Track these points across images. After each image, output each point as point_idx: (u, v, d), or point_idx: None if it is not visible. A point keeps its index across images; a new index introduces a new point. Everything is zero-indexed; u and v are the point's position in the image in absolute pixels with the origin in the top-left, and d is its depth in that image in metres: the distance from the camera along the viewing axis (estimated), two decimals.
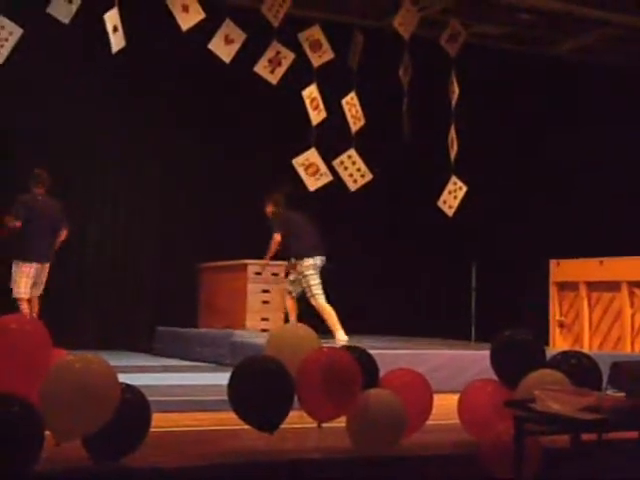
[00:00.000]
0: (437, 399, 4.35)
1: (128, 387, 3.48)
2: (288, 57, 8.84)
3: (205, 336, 9.25)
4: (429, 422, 4.28)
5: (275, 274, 9.65)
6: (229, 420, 4.47)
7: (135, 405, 3.48)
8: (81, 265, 10.42)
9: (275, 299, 9.60)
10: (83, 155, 10.30)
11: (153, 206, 10.63)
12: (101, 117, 10.17)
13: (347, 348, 4.19)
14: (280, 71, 8.83)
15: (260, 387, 3.85)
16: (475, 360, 6.79)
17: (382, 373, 4.27)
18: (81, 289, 10.35)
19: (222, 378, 6.66)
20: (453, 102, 9.32)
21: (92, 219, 10.56)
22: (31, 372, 3.35)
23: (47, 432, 3.29)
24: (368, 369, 4.09)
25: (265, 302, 9.59)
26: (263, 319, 9.56)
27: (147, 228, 10.56)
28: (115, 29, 7.96)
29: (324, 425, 4.03)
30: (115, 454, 3.47)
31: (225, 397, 4.27)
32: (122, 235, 10.59)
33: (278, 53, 8.83)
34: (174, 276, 10.61)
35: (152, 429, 3.63)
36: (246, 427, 4.05)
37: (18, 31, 7.62)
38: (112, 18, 7.96)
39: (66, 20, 7.80)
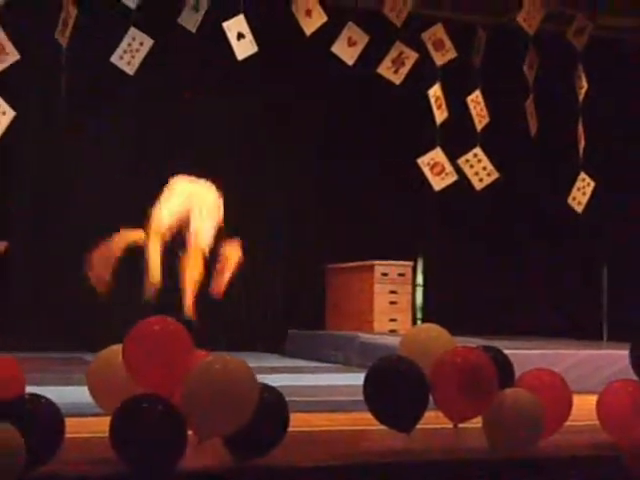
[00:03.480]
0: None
1: (267, 387, 3.53)
2: (411, 57, 8.85)
3: (333, 337, 9.31)
4: (566, 423, 4.20)
5: (402, 274, 9.64)
6: (362, 420, 4.49)
7: (274, 405, 3.52)
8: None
9: (403, 300, 9.58)
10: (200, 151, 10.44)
11: (279, 207, 10.73)
12: (230, 115, 10.32)
13: (482, 348, 4.15)
14: (403, 71, 8.85)
15: (396, 387, 3.85)
16: (612, 360, 6.64)
17: (515, 373, 4.22)
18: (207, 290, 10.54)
19: (352, 379, 6.75)
20: (581, 97, 9.14)
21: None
22: (173, 373, 3.44)
23: (189, 432, 3.36)
24: (504, 369, 4.05)
25: (392, 303, 9.60)
26: (391, 320, 9.57)
27: (273, 229, 10.66)
28: (241, 36, 8.12)
29: (460, 425, 4.00)
30: (254, 453, 3.53)
31: (357, 397, 4.29)
32: (250, 235, 10.71)
33: (401, 53, 8.85)
34: (300, 277, 10.70)
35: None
36: (380, 427, 4.06)
37: (148, 42, 7.86)
38: (236, 25, 8.13)
39: (193, 29, 8.02)
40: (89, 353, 7.86)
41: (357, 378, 6.76)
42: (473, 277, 11.01)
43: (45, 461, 3.20)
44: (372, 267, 9.65)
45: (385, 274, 9.61)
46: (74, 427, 3.45)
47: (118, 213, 9.81)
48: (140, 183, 9.92)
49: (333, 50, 8.69)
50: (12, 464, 2.98)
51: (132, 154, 10.03)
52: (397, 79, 8.85)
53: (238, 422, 3.38)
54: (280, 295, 10.72)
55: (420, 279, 11.07)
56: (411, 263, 9.91)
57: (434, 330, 4.20)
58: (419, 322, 10.49)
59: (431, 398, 3.92)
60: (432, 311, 10.76)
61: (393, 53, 8.84)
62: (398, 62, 8.84)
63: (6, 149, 7.91)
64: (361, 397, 4.04)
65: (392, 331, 9.45)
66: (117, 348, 3.58)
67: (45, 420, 3.23)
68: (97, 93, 9.61)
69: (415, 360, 3.96)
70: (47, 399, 3.32)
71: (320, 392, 6.00)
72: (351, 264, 10.14)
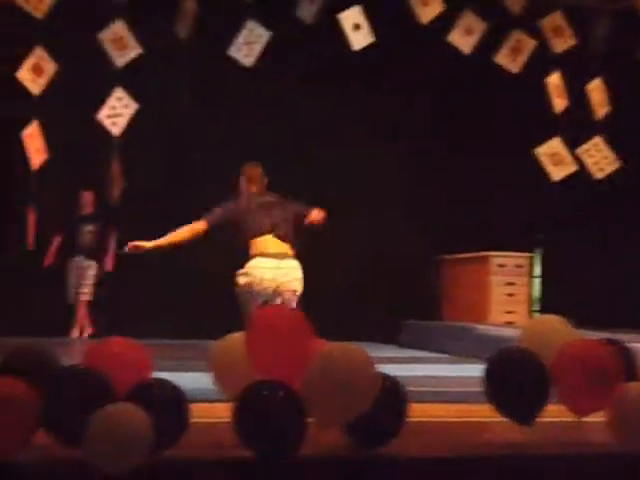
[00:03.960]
0: None
1: (387, 377, 3.53)
2: (529, 44, 8.71)
3: (449, 329, 9.26)
4: None
5: (519, 266, 9.51)
6: (481, 412, 4.44)
7: (394, 394, 3.53)
8: (327, 260, 10.65)
9: (520, 292, 9.45)
10: (321, 141, 10.47)
11: (394, 198, 10.69)
12: (342, 112, 10.36)
13: (605, 340, 4.07)
14: (521, 59, 8.72)
15: (516, 379, 3.81)
16: None
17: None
18: (325, 281, 10.57)
19: (469, 370, 6.70)
20: None
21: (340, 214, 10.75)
22: (294, 360, 3.47)
23: (310, 419, 3.39)
24: (628, 362, 3.96)
25: (510, 295, 9.47)
26: (508, 312, 9.44)
27: (388, 220, 10.65)
28: (357, 27, 8.14)
29: (584, 419, 3.92)
30: (374, 442, 3.54)
31: (475, 389, 4.25)
32: (365, 228, 10.72)
33: (519, 41, 8.72)
34: (415, 268, 10.66)
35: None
36: (500, 419, 4.01)
37: (266, 34, 7.95)
38: (352, 16, 8.15)
39: (310, 21, 8.09)
40: (204, 340, 7.97)
41: (474, 369, 6.71)
42: (592, 269, 10.78)
43: (171, 445, 3.27)
44: (487, 258, 9.55)
45: (502, 265, 9.50)
46: (198, 412, 3.51)
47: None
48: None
49: (449, 39, 8.62)
50: (141, 446, 3.06)
51: (248, 143, 10.17)
52: (515, 67, 8.74)
53: (358, 410, 3.40)
54: (395, 286, 10.70)
55: (537, 271, 10.90)
56: (529, 254, 9.77)
57: (556, 322, 4.12)
58: (536, 314, 10.34)
59: (553, 391, 3.86)
60: (549, 303, 10.58)
61: (510, 41, 8.72)
62: (516, 50, 8.72)
63: (129, 141, 8.09)
64: (479, 388, 4.00)
65: (508, 323, 9.33)
66: (239, 335, 3.63)
67: (171, 404, 3.31)
68: (215, 85, 9.78)
69: (536, 352, 3.90)
70: (173, 383, 3.39)
71: (437, 383, 5.97)
72: (466, 255, 10.05)
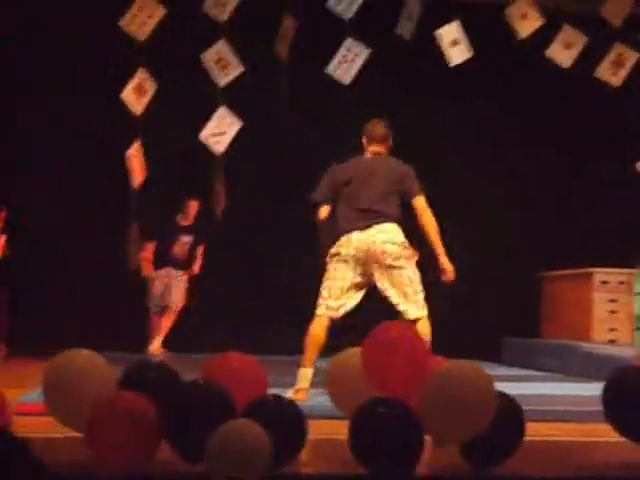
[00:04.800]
0: None
1: (503, 395, 3.49)
2: (631, 58, 8.57)
3: (552, 347, 9.10)
4: None
5: (623, 282, 9.31)
6: (596, 431, 4.38)
7: (511, 413, 3.48)
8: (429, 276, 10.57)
9: (622, 309, 9.24)
10: (421, 158, 10.41)
11: (494, 213, 10.59)
12: (442, 122, 10.32)
13: None
14: (622, 73, 8.58)
15: (636, 398, 3.73)
16: None
17: None
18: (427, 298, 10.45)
19: (576, 389, 6.60)
20: None
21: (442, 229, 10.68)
22: (411, 378, 3.46)
23: (426, 438, 3.37)
24: None
25: (612, 312, 9.27)
26: (611, 329, 9.24)
27: (488, 234, 10.55)
28: (455, 43, 8.11)
29: None
30: (491, 461, 3.49)
31: (583, 408, 4.17)
32: (465, 244, 10.62)
33: (620, 54, 8.59)
34: (515, 284, 10.53)
35: None
36: (615, 439, 3.94)
37: (364, 52, 7.97)
38: (450, 33, 8.13)
39: (408, 37, 8.10)
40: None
41: (580, 388, 6.63)
42: None
43: (288, 461, 3.28)
44: (591, 275, 9.36)
45: (605, 282, 9.30)
46: (315, 428, 3.52)
47: None
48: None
49: (547, 54, 8.53)
50: (260, 462, 3.08)
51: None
52: (616, 81, 8.60)
53: (475, 429, 3.36)
54: (496, 303, 10.58)
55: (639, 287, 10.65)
56: (634, 270, 9.56)
57: None
58: (638, 332, 10.09)
59: None
60: None
61: (611, 55, 8.59)
62: (617, 63, 8.58)
63: (232, 159, 8.17)
64: (588, 407, 3.94)
65: (611, 341, 9.14)
66: (354, 351, 3.64)
67: (289, 420, 3.32)
68: (314, 102, 9.83)
69: None
70: (290, 399, 3.41)
71: (544, 401, 5.87)
72: (568, 271, 9.88)
